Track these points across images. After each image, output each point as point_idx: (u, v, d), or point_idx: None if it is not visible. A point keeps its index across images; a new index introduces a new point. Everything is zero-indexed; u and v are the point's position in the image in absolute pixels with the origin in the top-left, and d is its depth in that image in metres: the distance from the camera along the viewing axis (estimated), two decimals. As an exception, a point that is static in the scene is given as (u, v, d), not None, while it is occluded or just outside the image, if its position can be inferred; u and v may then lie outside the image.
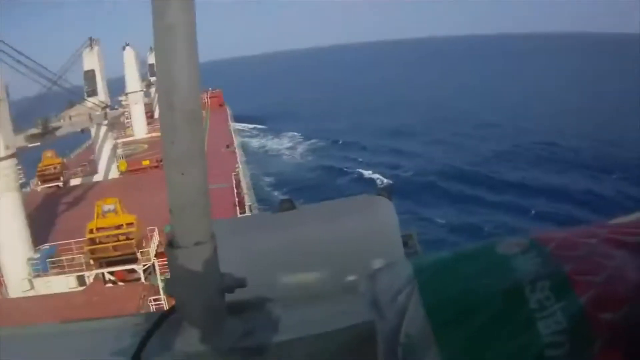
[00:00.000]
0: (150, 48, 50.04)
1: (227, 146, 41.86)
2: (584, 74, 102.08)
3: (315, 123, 67.38)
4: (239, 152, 43.32)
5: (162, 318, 1.38)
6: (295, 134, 63.08)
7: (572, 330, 0.82)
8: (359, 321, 1.30)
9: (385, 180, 43.03)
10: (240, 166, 36.97)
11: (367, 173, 45.89)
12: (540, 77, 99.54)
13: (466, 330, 0.87)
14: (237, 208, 27.97)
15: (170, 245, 1.27)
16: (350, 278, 1.55)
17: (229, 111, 62.47)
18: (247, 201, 29.83)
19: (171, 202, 1.23)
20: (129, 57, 49.48)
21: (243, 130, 65.03)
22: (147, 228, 23.65)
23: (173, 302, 1.38)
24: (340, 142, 57.97)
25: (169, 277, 1.33)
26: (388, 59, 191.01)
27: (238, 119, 66.96)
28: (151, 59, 51.34)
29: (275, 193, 39.67)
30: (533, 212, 35.05)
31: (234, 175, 33.11)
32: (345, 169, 47.94)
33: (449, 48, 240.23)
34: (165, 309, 1.67)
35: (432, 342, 0.89)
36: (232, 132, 50.91)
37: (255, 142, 61.13)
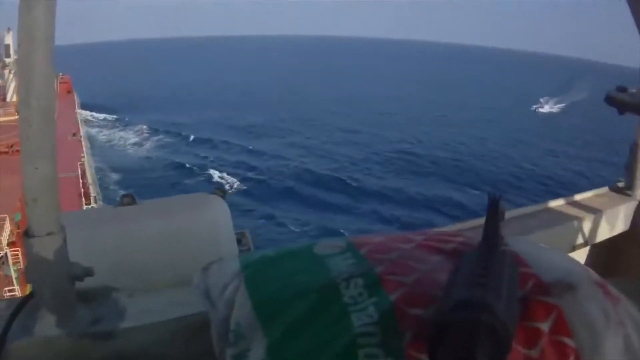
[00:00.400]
0: (8, 28, 45.73)
1: (74, 134, 38.98)
2: (471, 86, 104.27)
3: (170, 116, 61.70)
4: (84, 142, 40.02)
5: (22, 304, 1.46)
6: (144, 127, 56.77)
7: (383, 323, 0.92)
8: (194, 311, 1.46)
9: (237, 184, 39.10)
10: (85, 156, 34.74)
11: (219, 174, 41.57)
12: (420, 85, 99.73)
13: (287, 320, 0.99)
14: (83, 199, 27.34)
15: (25, 234, 1.34)
16: (187, 270, 1.54)
17: (76, 98, 57.02)
18: (92, 192, 29.12)
19: (26, 194, 1.31)
20: (-13, 37, 44.37)
21: (91, 121, 58.83)
22: (-1, 216, 22.72)
23: (29, 289, 1.45)
24: (192, 138, 52.79)
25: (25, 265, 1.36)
26: (267, 55, 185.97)
27: (90, 107, 61.89)
28: (8, 39, 47.97)
29: (122, 192, 34.84)
30: (398, 222, 32.72)
31: (80, 165, 31.64)
32: (195, 169, 43.24)
33: (334, 49, 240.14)
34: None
35: (259, 329, 1.01)
36: (79, 120, 46.81)
37: (102, 136, 54.32)
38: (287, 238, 28.85)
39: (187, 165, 43.76)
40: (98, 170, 38.74)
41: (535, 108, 77.32)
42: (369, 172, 43.38)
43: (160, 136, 53.96)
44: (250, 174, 41.79)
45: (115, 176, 40.22)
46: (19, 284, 19.05)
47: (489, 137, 56.40)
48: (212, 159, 45.83)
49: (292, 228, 31.77)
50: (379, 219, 33.45)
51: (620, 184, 3.26)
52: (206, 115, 62.86)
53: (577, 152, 51.90)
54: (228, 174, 41.36)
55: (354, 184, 40.09)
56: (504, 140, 55.21)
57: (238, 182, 39.52)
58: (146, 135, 54.81)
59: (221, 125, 58.15)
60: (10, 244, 21.49)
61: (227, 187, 37.33)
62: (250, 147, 49.18)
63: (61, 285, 1.39)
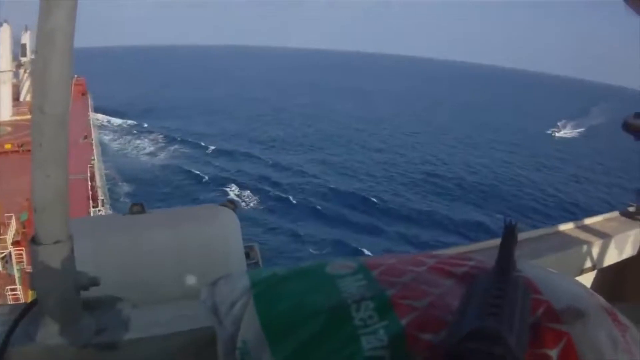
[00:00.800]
0: (25, 27, 46.21)
1: (85, 137, 38.47)
2: (491, 107, 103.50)
3: (189, 125, 60.69)
4: (95, 146, 39.31)
5: (25, 310, 1.44)
6: (160, 135, 55.51)
7: (393, 347, 0.91)
8: (200, 325, 1.44)
9: (253, 203, 37.84)
10: (95, 159, 34.36)
11: (238, 191, 40.08)
12: (439, 104, 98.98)
13: (296, 340, 0.97)
14: (91, 202, 27.15)
15: (33, 241, 1.33)
16: (194, 283, 1.62)
17: (90, 101, 55.58)
18: (100, 195, 29.09)
19: (35, 201, 1.29)
20: (5, 36, 43.84)
21: (106, 126, 58.04)
22: (4, 215, 22.38)
23: (33, 295, 1.43)
24: (211, 150, 51.32)
25: (27, 268, 1.75)
26: (287, 68, 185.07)
27: (107, 111, 61.28)
28: (24, 39, 47.67)
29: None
30: (424, 246, 30.91)
31: (89, 167, 31.31)
32: (210, 183, 41.97)
33: (357, 64, 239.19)
34: (21, 299, 2.52)
35: (266, 349, 0.99)
36: (91, 123, 45.82)
37: (116, 144, 53.12)
38: (309, 257, 27.54)
39: (205, 179, 42.54)
40: (109, 179, 38.09)
41: (552, 131, 75.36)
42: (394, 192, 42.19)
43: (177, 146, 52.63)
44: (271, 190, 40.62)
45: (126, 187, 39.26)
46: (22, 283, 18.94)
47: (513, 160, 55.55)
48: (232, 172, 44.64)
49: (311, 250, 30.63)
50: (406, 243, 32.21)
51: (631, 209, 3.24)
52: (226, 126, 61.91)
53: (599, 177, 51.18)
54: (246, 191, 40.20)
55: (379, 205, 38.95)
56: (528, 164, 54.32)
57: (256, 200, 38.44)
58: (162, 144, 53.52)
59: (242, 137, 57.08)
60: (15, 243, 21.44)
61: (242, 204, 36.27)
62: (271, 162, 47.98)
63: (66, 294, 1.37)
